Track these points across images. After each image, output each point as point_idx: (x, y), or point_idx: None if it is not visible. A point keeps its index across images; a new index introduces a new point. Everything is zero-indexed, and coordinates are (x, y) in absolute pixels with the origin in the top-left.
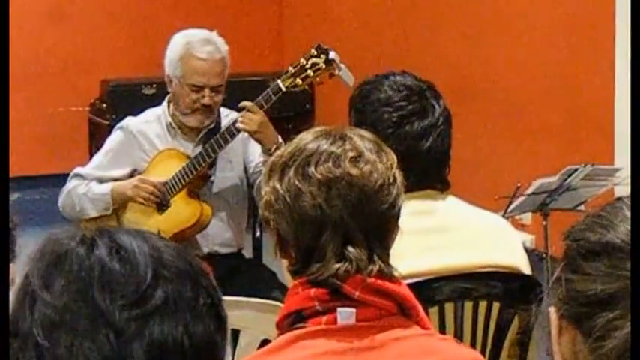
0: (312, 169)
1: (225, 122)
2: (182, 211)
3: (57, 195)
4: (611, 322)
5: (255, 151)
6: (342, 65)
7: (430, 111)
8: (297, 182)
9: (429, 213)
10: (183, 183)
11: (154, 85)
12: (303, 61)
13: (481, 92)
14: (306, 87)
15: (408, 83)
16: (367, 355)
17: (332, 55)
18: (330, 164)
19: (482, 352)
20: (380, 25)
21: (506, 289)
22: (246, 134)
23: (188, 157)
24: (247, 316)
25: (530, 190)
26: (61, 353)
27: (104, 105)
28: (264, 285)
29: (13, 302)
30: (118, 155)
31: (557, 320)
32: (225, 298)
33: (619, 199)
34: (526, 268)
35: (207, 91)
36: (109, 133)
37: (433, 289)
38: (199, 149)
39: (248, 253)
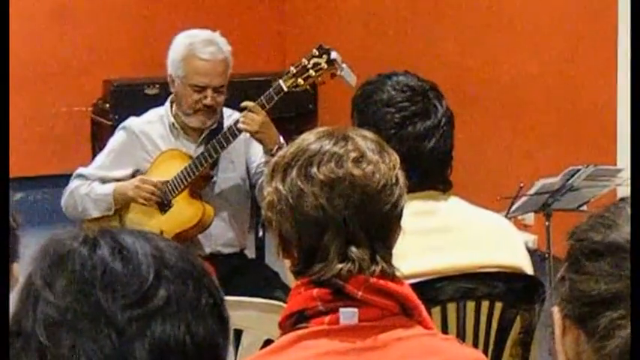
0: (314, 169)
1: (227, 122)
2: (184, 211)
3: (60, 195)
4: (614, 321)
5: (257, 152)
6: (343, 65)
7: (433, 111)
8: (299, 183)
9: (431, 213)
10: (186, 183)
11: (157, 86)
12: (304, 61)
13: (483, 93)
14: (308, 87)
15: (411, 84)
16: (370, 356)
17: (334, 55)
18: (333, 165)
19: (485, 352)
20: (382, 26)
21: (509, 290)
22: (248, 134)
23: (190, 157)
24: (250, 316)
25: (532, 191)
26: (63, 353)
27: (107, 105)
28: (266, 285)
29: (16, 302)
30: (120, 155)
31: (560, 320)
32: (228, 298)
33: (622, 199)
34: (528, 269)
35: (209, 92)
36: (112, 133)
37: (435, 289)
38: (201, 149)
39: (251, 253)
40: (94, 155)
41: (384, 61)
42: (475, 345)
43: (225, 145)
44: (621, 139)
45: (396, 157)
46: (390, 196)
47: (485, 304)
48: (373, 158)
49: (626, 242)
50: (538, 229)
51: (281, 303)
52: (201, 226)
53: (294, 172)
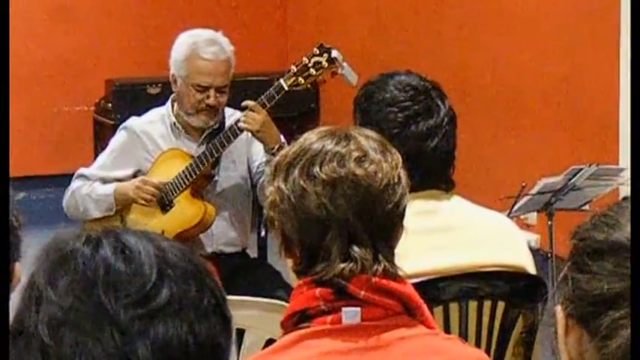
0: (316, 169)
1: (229, 122)
2: (186, 210)
3: (62, 194)
4: (617, 321)
5: (258, 151)
6: (344, 64)
7: (435, 111)
8: (302, 182)
9: (433, 213)
10: (187, 183)
11: (159, 85)
12: (305, 60)
13: (486, 92)
14: (309, 86)
15: (413, 83)
16: (372, 355)
17: (334, 53)
18: (335, 164)
19: (487, 352)
20: (385, 25)
21: (511, 289)
22: (249, 133)
23: (192, 156)
24: (252, 315)
25: (535, 190)
26: (66, 352)
27: (109, 105)
28: (269, 284)
29: (19, 301)
30: (121, 155)
31: (563, 319)
32: (230, 297)
33: (625, 198)
34: (531, 268)
35: (212, 92)
36: (114, 132)
37: (438, 289)
38: (203, 149)
39: (253, 252)
40: (96, 155)
41: (387, 61)
42: (477, 345)
43: (226, 144)
44: (623, 138)
45: (398, 157)
46: (392, 195)
47: (487, 303)
48: (376, 157)
49: (628, 242)
50: (540, 229)
51: (283, 302)
52: (203, 225)
53: (296, 172)
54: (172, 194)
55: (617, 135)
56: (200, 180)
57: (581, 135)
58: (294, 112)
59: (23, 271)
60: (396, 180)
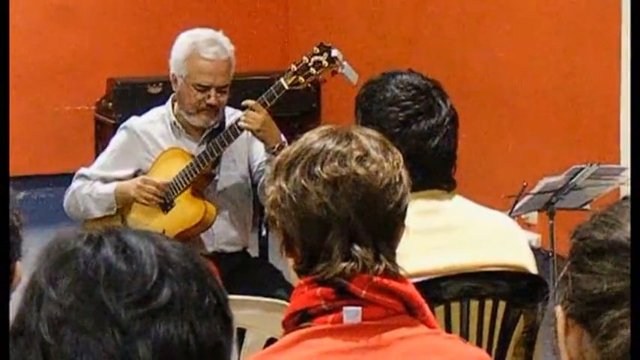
0: (318, 168)
1: (229, 121)
2: (186, 210)
3: (63, 194)
4: (617, 320)
5: (259, 150)
6: (344, 63)
7: (437, 110)
8: (303, 181)
9: (435, 212)
10: (188, 182)
11: (160, 84)
12: (305, 59)
13: (487, 91)
14: (309, 85)
15: (415, 82)
16: (373, 355)
17: (334, 52)
18: (336, 163)
19: (488, 352)
20: (386, 25)
21: (513, 289)
22: (250, 132)
23: (192, 156)
24: (253, 315)
25: (536, 189)
26: (67, 351)
27: (110, 104)
28: (270, 284)
29: (20, 300)
30: (121, 155)
31: (563, 319)
32: (232, 297)
33: (625, 198)
34: (532, 268)
35: (212, 92)
36: (115, 131)
37: (439, 289)
38: (203, 148)
39: (254, 251)
40: (97, 154)
41: (388, 60)
42: (479, 344)
43: (226, 143)
44: (625, 138)
45: (399, 156)
46: (393, 194)
47: (488, 303)
48: (377, 157)
49: (629, 241)
50: (541, 228)
51: (284, 302)
52: (204, 225)
53: (297, 171)
54: (173, 194)
55: (618, 134)
56: (201, 179)
57: (582, 134)
58: (296, 112)
59: (24, 270)
60: (397, 179)
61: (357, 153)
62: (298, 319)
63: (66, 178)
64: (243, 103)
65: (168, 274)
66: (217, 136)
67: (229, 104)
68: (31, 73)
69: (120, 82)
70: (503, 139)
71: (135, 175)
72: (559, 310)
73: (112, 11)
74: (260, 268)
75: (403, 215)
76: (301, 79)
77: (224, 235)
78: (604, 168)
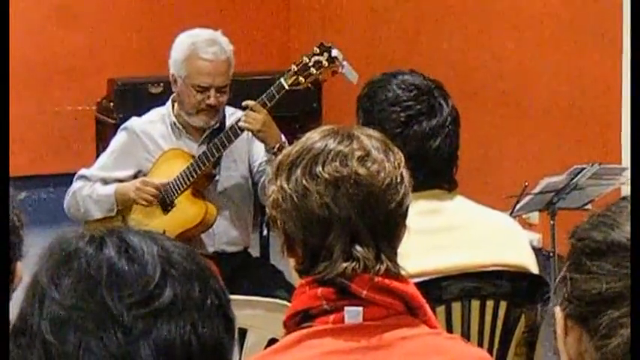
0: (319, 168)
1: (229, 121)
2: (187, 210)
3: (64, 194)
4: (616, 320)
5: (259, 150)
6: (344, 63)
7: (438, 111)
8: (304, 181)
9: (436, 212)
10: (188, 182)
11: (161, 84)
12: (305, 59)
13: (488, 91)
14: (310, 85)
15: (416, 82)
16: (374, 355)
17: (334, 52)
18: (338, 163)
19: (489, 352)
20: (387, 25)
21: (514, 289)
22: (250, 133)
23: (192, 156)
24: (255, 315)
25: (537, 189)
26: (69, 351)
27: (111, 104)
28: (271, 284)
29: (22, 300)
30: (122, 156)
31: (562, 320)
32: (233, 297)
33: (624, 198)
34: (534, 267)
35: (212, 92)
36: (116, 131)
37: (440, 289)
38: (203, 148)
39: (255, 252)
40: (98, 154)
41: (389, 60)
42: (480, 344)
43: (227, 144)
44: (626, 138)
45: (400, 156)
46: (395, 194)
47: (490, 303)
48: (378, 157)
49: (627, 241)
50: (543, 228)
51: (285, 302)
52: (204, 225)
53: (298, 171)
54: (173, 194)
55: (619, 134)
56: (201, 180)
57: (583, 134)
58: (297, 112)
59: (26, 270)
60: (398, 179)
61: (358, 153)
62: (299, 320)
63: (67, 179)
64: (244, 103)
65: (170, 274)
66: (218, 136)
67: (230, 104)
68: (31, 73)
69: (121, 82)
70: (505, 139)
71: (135, 176)
72: (558, 311)
73: (113, 11)
74: (261, 269)
75: (404, 215)
76: (301, 79)
77: (225, 235)
78: (605, 168)
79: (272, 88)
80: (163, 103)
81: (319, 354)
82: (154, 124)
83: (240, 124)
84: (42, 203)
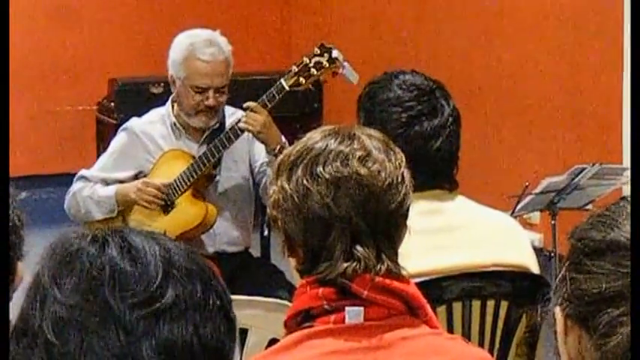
0: (320, 168)
1: (229, 121)
2: (187, 211)
3: (65, 194)
4: (616, 319)
5: (260, 150)
6: (345, 63)
7: (440, 111)
8: (305, 182)
9: (437, 212)
10: (188, 183)
11: (162, 84)
12: (306, 59)
13: (489, 92)
14: (312, 86)
15: (418, 83)
16: (375, 355)
17: (335, 53)
18: (339, 163)
19: (490, 352)
20: (388, 25)
21: (515, 289)
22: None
23: (193, 157)
24: (255, 315)
25: (538, 189)
26: (71, 351)
27: (112, 104)
28: (271, 284)
29: (24, 300)
30: (122, 157)
31: (562, 320)
32: (234, 297)
33: (623, 198)
34: (534, 267)
35: (211, 93)
36: (117, 131)
37: (441, 289)
38: (204, 149)
39: (256, 252)
40: (99, 154)
41: (390, 60)
42: (481, 344)
43: (227, 144)
44: (627, 138)
45: (401, 156)
46: (395, 195)
47: (490, 303)
48: (379, 157)
49: (627, 240)
50: (544, 228)
51: (286, 302)
52: (205, 225)
53: (299, 171)
54: (174, 195)
55: (620, 134)
56: (201, 180)
57: (584, 134)
58: (298, 112)
59: (27, 270)
60: (399, 179)
61: (359, 153)
62: (300, 320)
63: (67, 179)
64: (245, 104)
65: (172, 275)
66: (218, 136)
67: (230, 104)
68: (32, 73)
69: (121, 82)
70: (506, 139)
71: (136, 177)
72: (557, 311)
73: (114, 11)
74: (262, 269)
75: (405, 215)
76: (302, 80)
77: (225, 235)
78: (606, 168)
79: (272, 89)
80: (164, 103)
81: (320, 354)
82: (154, 125)
83: (241, 125)
84: (42, 203)
